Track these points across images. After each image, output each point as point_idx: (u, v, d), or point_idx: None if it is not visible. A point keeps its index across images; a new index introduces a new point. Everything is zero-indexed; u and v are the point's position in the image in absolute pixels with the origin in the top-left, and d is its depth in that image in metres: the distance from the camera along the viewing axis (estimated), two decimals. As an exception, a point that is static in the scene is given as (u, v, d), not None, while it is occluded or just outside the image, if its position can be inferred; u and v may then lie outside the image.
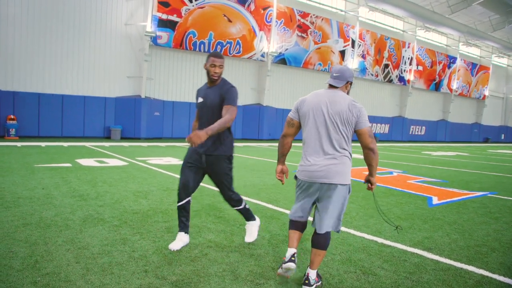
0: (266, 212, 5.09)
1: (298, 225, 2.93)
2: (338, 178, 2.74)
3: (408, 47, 32.03)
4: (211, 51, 20.75)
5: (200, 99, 3.54)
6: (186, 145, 16.80)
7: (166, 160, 10.43)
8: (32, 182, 6.41)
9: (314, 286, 2.73)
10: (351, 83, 2.92)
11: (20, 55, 16.26)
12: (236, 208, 3.70)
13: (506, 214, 5.62)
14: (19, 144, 13.52)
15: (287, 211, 5.11)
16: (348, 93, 2.93)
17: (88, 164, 8.96)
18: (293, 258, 2.76)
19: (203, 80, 21.60)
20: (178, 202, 3.53)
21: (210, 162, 3.47)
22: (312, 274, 2.75)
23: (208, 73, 3.43)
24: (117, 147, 14.05)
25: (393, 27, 31.37)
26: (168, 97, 20.44)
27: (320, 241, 2.78)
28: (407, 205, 5.90)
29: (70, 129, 17.48)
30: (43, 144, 13.84)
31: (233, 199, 3.64)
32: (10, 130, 15.68)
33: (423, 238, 4.17)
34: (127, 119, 18.75)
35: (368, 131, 2.73)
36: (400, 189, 7.33)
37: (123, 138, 18.59)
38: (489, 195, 7.17)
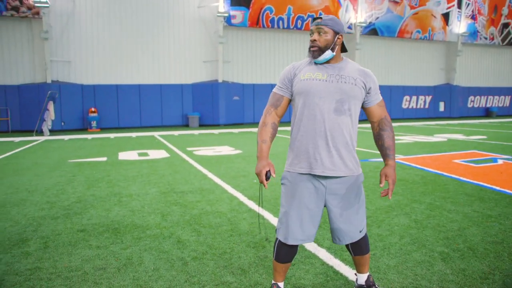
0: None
1: None
2: None
3: (544, -3, 25.42)
4: (291, 27, 18.80)
5: None
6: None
7: (217, 150, 9.04)
8: (35, 182, 5.67)
9: None
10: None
11: (98, 49, 16.54)
12: None
13: None
14: (91, 136, 13.62)
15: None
16: None
17: (124, 158, 8.10)
18: None
19: (284, 58, 19.85)
20: None
21: None
22: None
23: None
24: (183, 136, 13.25)
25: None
26: (247, 80, 19.16)
27: None
28: (502, 220, 3.48)
29: (148, 119, 17.39)
30: (112, 135, 13.75)
31: None
32: (92, 122, 16.10)
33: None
34: (205, 105, 18.03)
35: None
36: (498, 188, 4.75)
37: (202, 125, 17.94)
38: None
